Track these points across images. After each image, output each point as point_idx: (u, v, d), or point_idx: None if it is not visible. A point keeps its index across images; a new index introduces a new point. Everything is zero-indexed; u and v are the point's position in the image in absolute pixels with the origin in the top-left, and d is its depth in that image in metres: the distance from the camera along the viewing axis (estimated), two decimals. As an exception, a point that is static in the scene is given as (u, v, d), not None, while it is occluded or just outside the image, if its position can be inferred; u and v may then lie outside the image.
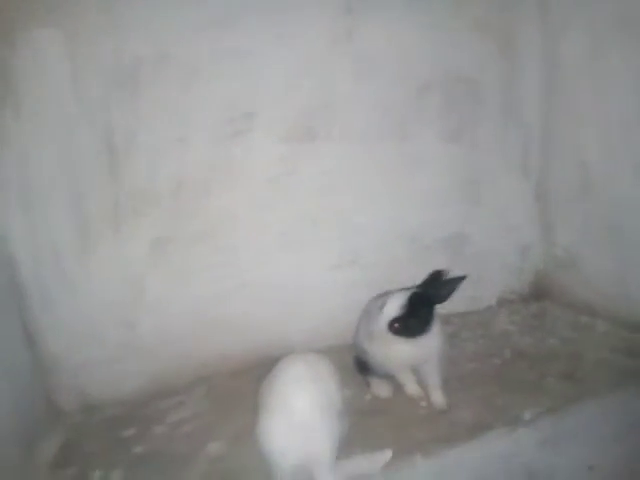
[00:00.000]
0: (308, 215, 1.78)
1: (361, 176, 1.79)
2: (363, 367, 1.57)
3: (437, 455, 1.27)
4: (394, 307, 1.36)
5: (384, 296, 1.55)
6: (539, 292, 2.07)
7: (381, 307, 1.40)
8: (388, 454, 1.07)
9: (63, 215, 1.54)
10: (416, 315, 1.37)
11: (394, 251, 1.89)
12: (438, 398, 1.43)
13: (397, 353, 1.41)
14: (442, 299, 1.42)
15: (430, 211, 1.89)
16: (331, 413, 1.19)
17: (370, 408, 1.46)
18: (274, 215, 1.74)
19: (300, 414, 1.14)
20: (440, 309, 1.45)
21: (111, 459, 1.38)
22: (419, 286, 1.45)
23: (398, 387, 1.51)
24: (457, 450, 1.28)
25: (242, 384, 1.67)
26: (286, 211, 1.75)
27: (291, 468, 1.11)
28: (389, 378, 1.52)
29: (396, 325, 1.36)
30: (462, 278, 1.43)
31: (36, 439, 1.44)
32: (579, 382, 1.47)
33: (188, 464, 1.32)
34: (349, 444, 1.26)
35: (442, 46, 1.78)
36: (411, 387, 1.49)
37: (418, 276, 1.88)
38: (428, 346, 1.41)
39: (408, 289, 1.43)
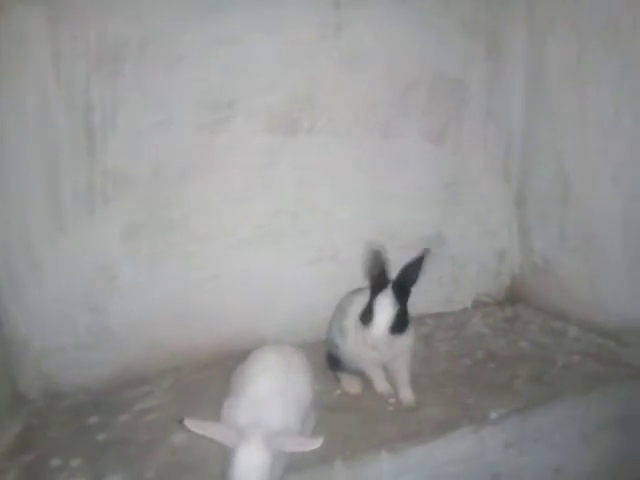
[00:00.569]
0: (287, 208, 1.77)
1: (343, 171, 1.79)
2: (334, 362, 1.57)
3: (403, 451, 1.26)
4: (388, 309, 1.32)
5: (356, 293, 1.55)
6: (514, 296, 2.08)
7: (367, 311, 1.34)
8: (319, 440, 1.06)
9: (37, 197, 1.51)
10: (403, 308, 1.35)
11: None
12: (407, 395, 1.43)
13: (371, 354, 1.39)
14: (415, 280, 1.37)
15: (411, 210, 1.90)
16: (294, 405, 1.18)
17: (339, 404, 1.45)
18: (252, 206, 1.73)
19: (260, 395, 1.15)
20: (414, 309, 1.43)
21: (72, 446, 1.35)
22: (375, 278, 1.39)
23: (368, 383, 1.50)
24: (423, 447, 1.28)
25: (211, 375, 1.65)
26: (264, 203, 1.74)
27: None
28: (359, 374, 1.52)
29: (395, 325, 1.32)
30: (426, 251, 1.39)
31: (-5, 424, 1.41)
32: (547, 385, 1.48)
33: (150, 453, 1.30)
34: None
35: (429, 45, 1.78)
36: (380, 384, 1.48)
37: (395, 273, 1.92)
38: (401, 344, 1.40)
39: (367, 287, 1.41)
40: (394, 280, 1.37)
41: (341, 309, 1.57)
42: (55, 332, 1.61)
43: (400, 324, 1.34)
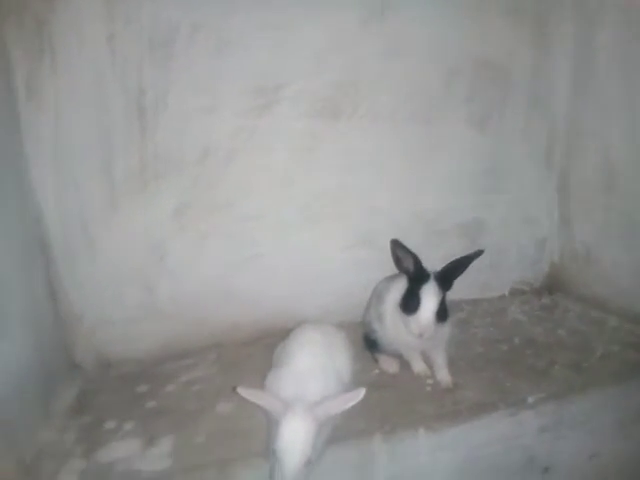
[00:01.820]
0: (328, 192, 1.80)
1: (383, 157, 1.80)
2: (372, 345, 1.61)
3: (439, 430, 1.30)
4: (433, 298, 1.37)
5: (393, 279, 1.58)
6: (552, 285, 2.07)
7: (410, 300, 1.39)
8: (362, 392, 1.11)
9: (92, 175, 1.58)
10: (444, 297, 1.40)
11: (410, 234, 1.86)
12: (444, 377, 1.46)
13: (410, 339, 1.43)
14: (459, 274, 1.44)
15: (449, 196, 1.90)
16: (334, 380, 1.23)
17: (377, 382, 1.49)
18: (294, 190, 1.77)
19: (302, 369, 1.21)
20: (451, 294, 1.47)
21: (124, 411, 1.44)
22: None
23: (405, 364, 1.54)
24: (460, 427, 1.31)
25: (252, 352, 1.72)
26: (306, 187, 1.78)
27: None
28: (397, 355, 1.55)
29: (439, 315, 1.37)
30: (479, 253, 1.45)
31: (54, 389, 1.50)
32: (585, 372, 1.48)
33: (198, 420, 1.37)
34: (353, 414, 1.30)
35: (474, 30, 1.78)
36: (418, 365, 1.52)
37: (432, 260, 1.94)
38: (441, 331, 1.43)
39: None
40: (439, 271, 1.42)
41: (378, 295, 1.60)
42: (106, 306, 1.69)
43: (443, 312, 1.39)
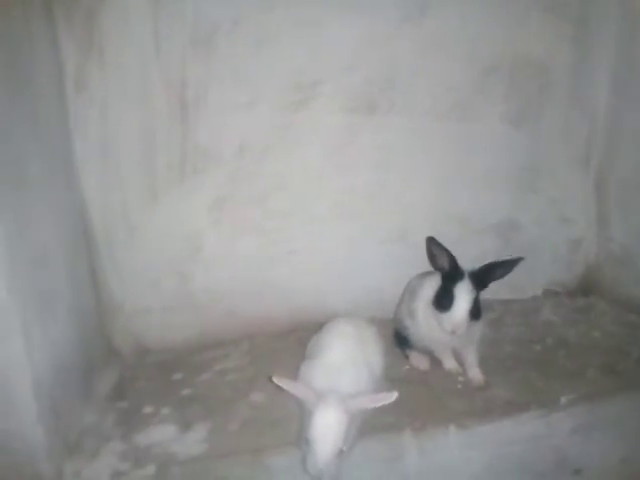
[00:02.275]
0: (362, 188, 1.81)
1: (418, 153, 1.80)
2: (402, 341, 1.62)
3: (470, 428, 1.31)
4: (468, 296, 1.38)
5: (425, 276, 1.58)
6: (587, 287, 2.03)
7: (444, 297, 1.40)
8: (394, 394, 1.13)
9: (134, 168, 1.63)
10: (479, 296, 1.41)
11: (443, 231, 1.84)
12: (476, 375, 1.46)
13: (442, 336, 1.44)
14: (497, 278, 1.44)
15: (484, 195, 1.89)
16: (366, 373, 1.25)
17: (408, 378, 1.50)
18: (329, 185, 1.78)
19: (335, 362, 1.23)
20: (482, 294, 1.47)
21: (161, 397, 1.49)
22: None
23: (436, 361, 1.55)
24: (491, 425, 1.32)
25: (284, 345, 1.75)
26: (340, 182, 1.79)
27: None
28: (428, 352, 1.56)
29: (472, 313, 1.38)
30: (518, 260, 1.45)
31: (95, 374, 1.57)
32: (620, 375, 1.46)
33: (232, 408, 1.41)
34: (383, 409, 1.32)
35: (513, 27, 1.75)
36: (449, 362, 1.52)
37: (465, 260, 1.93)
38: (473, 329, 1.43)
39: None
40: (474, 271, 1.42)
41: (411, 291, 1.61)
42: (144, 294, 1.75)
43: (477, 311, 1.40)
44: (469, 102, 1.79)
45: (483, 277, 1.42)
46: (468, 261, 1.91)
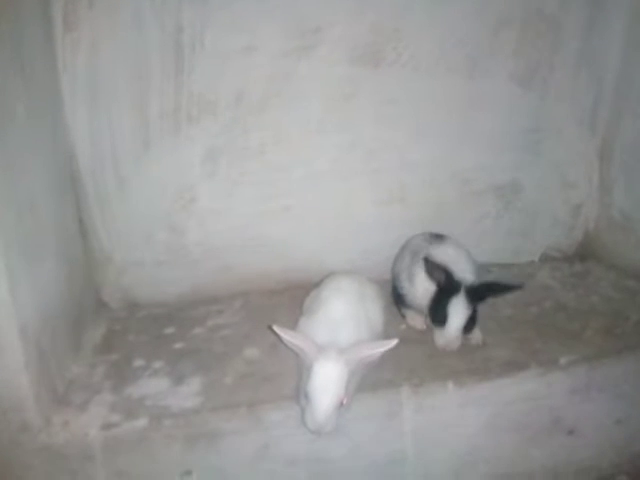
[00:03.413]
0: (362, 144, 1.75)
1: (422, 109, 1.74)
2: (399, 299, 1.59)
3: (469, 385, 1.29)
4: (462, 314, 1.34)
5: (433, 241, 1.54)
6: (585, 253, 2.01)
7: (439, 311, 1.36)
8: (394, 341, 1.11)
9: (126, 114, 1.55)
10: (475, 311, 1.37)
11: (444, 192, 1.85)
12: (474, 333, 1.44)
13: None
14: (492, 297, 1.41)
15: (487, 155, 1.84)
16: (366, 328, 1.22)
17: (405, 337, 1.45)
18: (328, 140, 1.72)
19: (335, 316, 1.20)
20: (479, 258, 1.49)
21: (152, 351, 1.45)
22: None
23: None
24: (489, 384, 1.30)
25: (279, 302, 1.72)
26: (341, 137, 1.72)
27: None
28: (425, 312, 1.53)
29: (466, 329, 1.36)
30: (520, 286, 1.44)
31: (83, 325, 1.52)
32: (619, 337, 1.45)
33: (226, 363, 1.38)
34: (381, 366, 1.30)
35: (526, -23, 1.68)
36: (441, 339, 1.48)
37: (465, 220, 1.90)
38: None
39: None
40: (472, 286, 1.37)
41: (413, 252, 1.56)
42: (135, 247, 1.69)
43: (471, 325, 1.37)
44: (478, 57, 1.72)
45: (480, 293, 1.37)
46: (468, 224, 1.90)
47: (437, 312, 1.37)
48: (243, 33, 1.55)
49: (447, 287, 1.37)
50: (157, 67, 1.53)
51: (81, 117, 1.53)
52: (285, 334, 1.10)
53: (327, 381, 1.06)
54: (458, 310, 1.34)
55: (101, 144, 1.57)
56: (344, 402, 1.07)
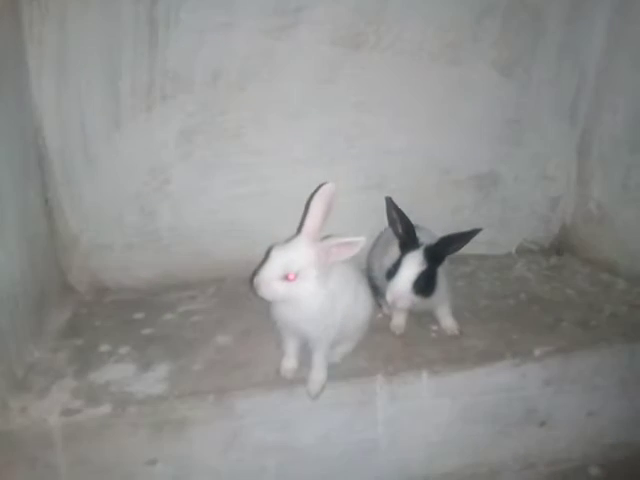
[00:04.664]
0: (341, 130, 1.71)
1: (402, 96, 1.71)
2: (375, 290, 1.56)
3: (443, 375, 1.27)
4: (413, 269, 1.27)
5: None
6: (561, 246, 2.02)
7: (393, 266, 1.30)
8: (362, 238, 1.15)
9: (96, 89, 1.49)
10: (432, 271, 1.31)
11: (423, 180, 1.83)
12: (450, 324, 1.43)
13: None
14: (454, 252, 1.35)
15: (467, 144, 1.82)
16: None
17: (381, 326, 1.45)
18: (306, 124, 1.68)
19: None
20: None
21: (119, 336, 1.40)
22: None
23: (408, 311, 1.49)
24: (464, 373, 1.29)
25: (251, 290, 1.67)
26: (319, 122, 1.68)
27: None
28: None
29: (418, 287, 1.28)
30: (476, 231, 1.34)
31: (46, 309, 1.46)
32: (593, 330, 1.45)
33: (196, 349, 1.33)
34: (356, 353, 1.28)
35: (510, -34, 1.65)
36: (397, 319, 1.45)
37: (443, 210, 1.88)
38: (433, 301, 1.37)
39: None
40: (431, 244, 1.33)
41: (385, 244, 1.54)
42: (104, 229, 1.64)
43: (427, 286, 1.30)
44: (460, 44, 1.70)
45: (439, 251, 1.32)
46: (446, 214, 1.88)
47: (392, 267, 1.31)
48: (221, 7, 1.50)
49: (407, 242, 1.32)
50: (129, 41, 1.47)
51: (48, 91, 1.46)
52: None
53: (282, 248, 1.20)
54: (411, 263, 1.28)
55: (70, 120, 1.50)
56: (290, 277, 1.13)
